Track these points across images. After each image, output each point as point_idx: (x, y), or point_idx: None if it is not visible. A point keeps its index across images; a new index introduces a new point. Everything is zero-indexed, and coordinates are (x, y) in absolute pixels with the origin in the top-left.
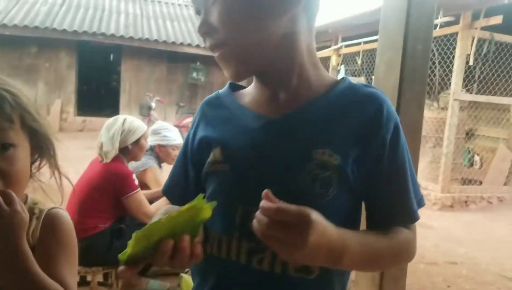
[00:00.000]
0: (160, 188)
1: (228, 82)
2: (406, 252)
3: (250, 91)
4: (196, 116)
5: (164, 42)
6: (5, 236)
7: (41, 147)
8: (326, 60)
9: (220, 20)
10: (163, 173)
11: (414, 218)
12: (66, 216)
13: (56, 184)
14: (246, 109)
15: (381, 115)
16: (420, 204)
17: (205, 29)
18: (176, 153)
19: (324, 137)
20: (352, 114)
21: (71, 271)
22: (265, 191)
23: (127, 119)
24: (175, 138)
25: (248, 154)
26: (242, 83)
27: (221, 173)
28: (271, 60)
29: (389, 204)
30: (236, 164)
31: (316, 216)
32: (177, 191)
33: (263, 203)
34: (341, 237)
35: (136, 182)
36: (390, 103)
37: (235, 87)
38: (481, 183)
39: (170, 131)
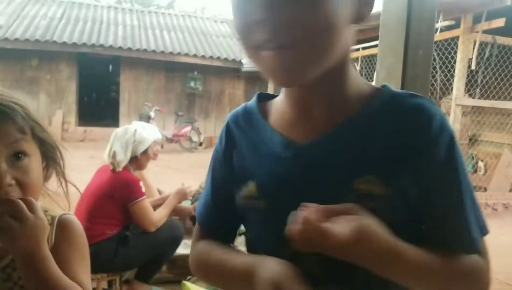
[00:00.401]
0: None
1: (257, 93)
2: (474, 279)
3: (278, 105)
4: (223, 136)
5: (162, 52)
6: (31, 241)
7: (49, 156)
8: None
9: (307, 14)
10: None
11: (473, 246)
12: (77, 221)
13: (63, 192)
14: (274, 131)
15: (430, 130)
16: (483, 232)
17: (281, 20)
18: (157, 148)
19: (365, 163)
20: (396, 131)
21: (86, 272)
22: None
23: (138, 129)
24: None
25: (284, 190)
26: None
27: (257, 210)
28: (325, 71)
29: (446, 230)
30: (273, 202)
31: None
32: (219, 224)
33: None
34: (395, 240)
35: (143, 189)
36: (443, 115)
37: (262, 97)
38: (485, 189)
39: (147, 128)
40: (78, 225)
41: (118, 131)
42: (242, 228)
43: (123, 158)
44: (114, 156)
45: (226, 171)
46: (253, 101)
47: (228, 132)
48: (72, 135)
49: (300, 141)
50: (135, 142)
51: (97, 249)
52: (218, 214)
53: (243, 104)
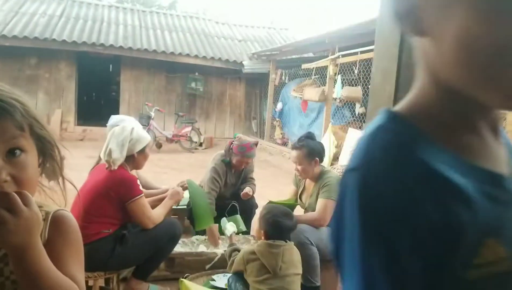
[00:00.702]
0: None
1: (388, 110)
2: None
3: (440, 126)
4: (408, 181)
5: (163, 52)
6: (24, 235)
7: (47, 153)
8: (323, 70)
9: None
10: None
11: None
12: (71, 217)
13: (60, 188)
14: (461, 158)
15: None
16: None
17: None
18: None
19: None
20: None
21: (80, 268)
22: None
23: (135, 128)
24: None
25: None
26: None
27: (498, 277)
28: None
29: None
30: None
31: None
32: None
33: None
34: None
35: (141, 187)
36: None
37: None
38: None
39: (126, 121)
40: (72, 220)
41: (115, 129)
42: (241, 227)
43: (118, 157)
44: (109, 154)
45: (434, 233)
46: (396, 120)
47: (416, 172)
48: (71, 134)
49: (494, 168)
50: (131, 140)
51: (94, 248)
52: None
53: (387, 128)
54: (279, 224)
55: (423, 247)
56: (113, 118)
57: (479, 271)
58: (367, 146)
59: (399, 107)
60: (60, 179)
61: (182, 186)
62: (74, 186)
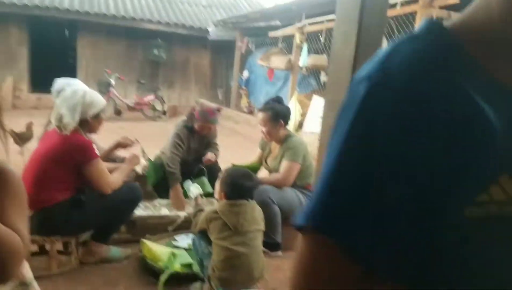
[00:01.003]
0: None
1: (432, 20)
2: None
3: (486, 40)
4: (404, 105)
5: (123, 17)
6: None
7: None
8: (290, 38)
9: None
10: None
11: None
12: (12, 169)
13: (1, 142)
14: (500, 85)
15: None
16: None
17: None
18: None
19: None
20: None
21: (22, 219)
22: None
23: (87, 92)
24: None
25: None
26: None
27: (506, 221)
28: None
29: None
30: None
31: None
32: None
33: None
34: None
35: (97, 152)
36: None
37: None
38: None
39: (72, 85)
40: (14, 173)
41: (65, 93)
42: (208, 189)
43: (70, 121)
44: (60, 119)
45: (434, 155)
46: (437, 32)
47: (420, 93)
48: (24, 102)
49: None
50: (84, 104)
51: (48, 214)
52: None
53: (421, 38)
54: (237, 186)
55: (417, 167)
56: (58, 82)
57: (478, 210)
58: (388, 56)
59: (451, 20)
60: (1, 131)
61: (124, 142)
62: (13, 137)
